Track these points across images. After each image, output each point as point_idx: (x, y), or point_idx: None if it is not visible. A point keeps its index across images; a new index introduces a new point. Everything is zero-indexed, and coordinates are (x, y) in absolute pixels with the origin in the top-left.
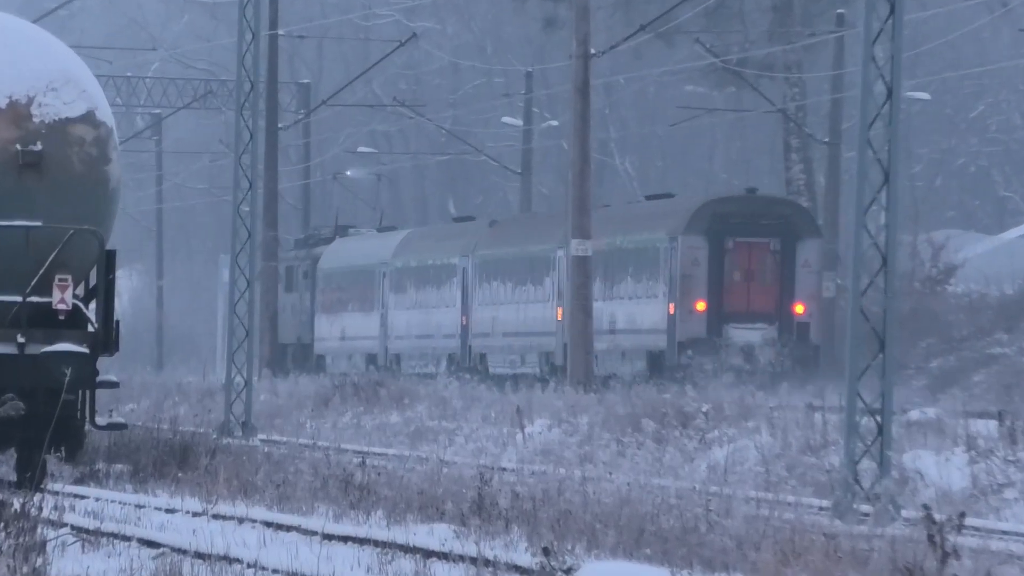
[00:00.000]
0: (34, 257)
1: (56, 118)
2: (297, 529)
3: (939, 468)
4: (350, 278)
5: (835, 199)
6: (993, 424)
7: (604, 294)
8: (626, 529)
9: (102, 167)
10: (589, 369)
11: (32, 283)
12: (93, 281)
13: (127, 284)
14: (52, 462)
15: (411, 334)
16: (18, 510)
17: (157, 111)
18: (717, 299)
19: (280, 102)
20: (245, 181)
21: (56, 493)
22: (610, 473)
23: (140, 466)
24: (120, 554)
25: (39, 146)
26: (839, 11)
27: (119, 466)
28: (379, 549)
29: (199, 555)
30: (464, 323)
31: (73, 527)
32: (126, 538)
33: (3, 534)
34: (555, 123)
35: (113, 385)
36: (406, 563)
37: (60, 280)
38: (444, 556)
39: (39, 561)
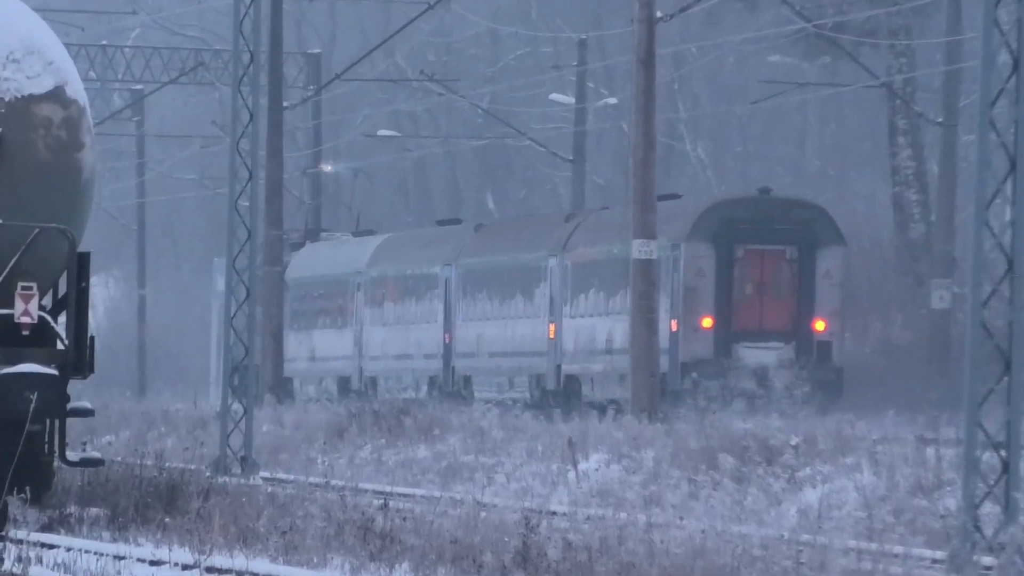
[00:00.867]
0: None
1: (17, 95)
2: None
3: None
4: (321, 289)
5: (951, 191)
6: None
7: (599, 309)
8: None
9: (73, 154)
10: (654, 395)
11: None
12: (63, 290)
13: (103, 293)
14: (15, 505)
15: (388, 354)
16: None
17: (138, 87)
18: (725, 315)
19: (285, 76)
20: (244, 170)
21: (19, 542)
22: (681, 518)
23: (119, 510)
24: None
25: None
26: None
27: (94, 510)
28: None
29: None
30: (447, 341)
31: None
32: None
33: None
34: (613, 101)
35: (87, 413)
36: None
37: (23, 289)
38: None
39: None
